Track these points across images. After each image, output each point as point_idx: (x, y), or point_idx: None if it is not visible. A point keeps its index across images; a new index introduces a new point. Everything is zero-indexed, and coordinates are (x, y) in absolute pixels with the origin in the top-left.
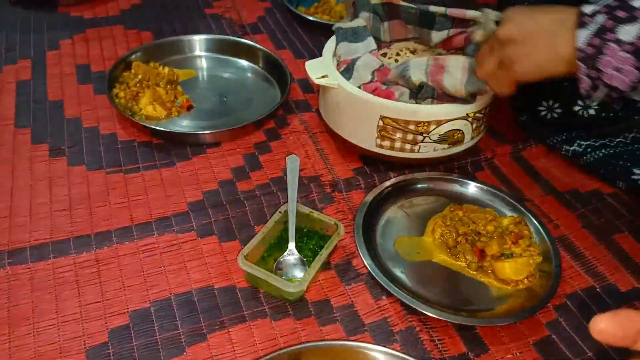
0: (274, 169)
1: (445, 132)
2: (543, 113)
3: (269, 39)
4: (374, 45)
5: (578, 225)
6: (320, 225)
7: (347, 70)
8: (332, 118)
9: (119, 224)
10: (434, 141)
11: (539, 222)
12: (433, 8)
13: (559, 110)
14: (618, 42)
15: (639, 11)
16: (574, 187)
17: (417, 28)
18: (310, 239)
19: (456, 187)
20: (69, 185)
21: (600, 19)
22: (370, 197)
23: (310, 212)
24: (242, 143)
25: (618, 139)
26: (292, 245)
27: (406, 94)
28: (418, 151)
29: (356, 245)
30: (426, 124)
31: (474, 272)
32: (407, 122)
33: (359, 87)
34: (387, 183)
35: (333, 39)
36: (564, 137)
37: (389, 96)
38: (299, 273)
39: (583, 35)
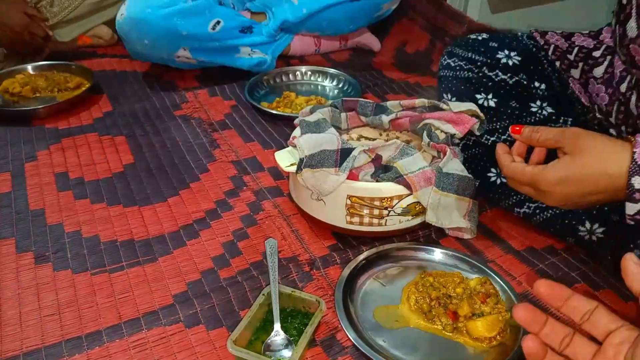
0: (253, 254)
1: (407, 205)
2: (493, 179)
3: (237, 134)
4: (335, 134)
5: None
6: (303, 304)
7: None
8: (303, 201)
9: (108, 322)
10: (399, 214)
11: (503, 281)
12: (389, 103)
13: None
14: None
15: None
16: (530, 245)
17: (371, 117)
18: (295, 318)
19: (424, 255)
20: (56, 290)
21: None
22: (346, 271)
23: (292, 291)
24: (219, 232)
25: None
26: (277, 326)
27: (368, 174)
28: (385, 224)
29: (338, 320)
30: (389, 199)
31: (450, 334)
32: (372, 199)
33: None
34: (361, 257)
35: (298, 130)
36: (514, 200)
37: (353, 177)
38: (287, 353)
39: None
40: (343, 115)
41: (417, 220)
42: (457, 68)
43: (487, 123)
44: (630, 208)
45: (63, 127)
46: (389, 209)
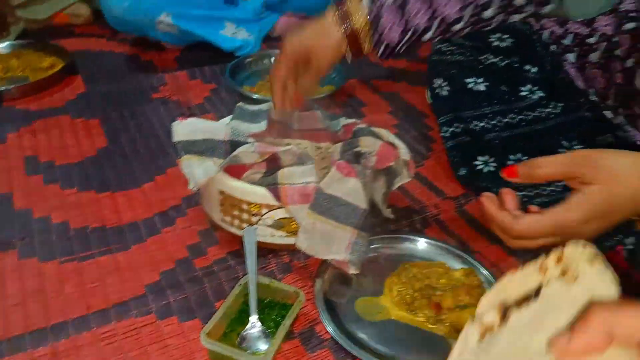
0: (231, 243)
1: (279, 219)
2: (480, 167)
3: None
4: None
5: None
6: (281, 295)
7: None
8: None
9: (75, 313)
10: (270, 226)
11: (488, 272)
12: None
13: (494, 164)
14: None
15: None
16: None
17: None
18: (272, 310)
19: (407, 245)
20: (21, 279)
21: None
22: (327, 262)
23: (271, 282)
24: (196, 219)
25: (550, 188)
26: (254, 317)
27: (258, 174)
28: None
29: (318, 312)
30: (257, 205)
31: (433, 326)
32: (241, 201)
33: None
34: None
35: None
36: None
37: (239, 171)
38: (263, 345)
39: None
40: (296, 113)
41: (294, 240)
42: (448, 53)
43: (475, 108)
44: None
45: (35, 108)
46: (258, 217)
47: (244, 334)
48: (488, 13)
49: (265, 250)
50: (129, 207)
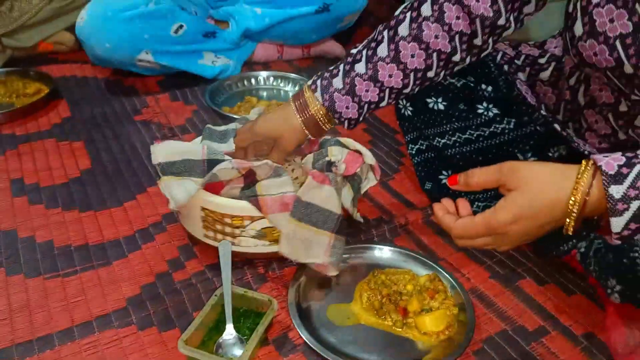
0: (209, 256)
1: (261, 228)
2: (444, 181)
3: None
4: (208, 147)
5: (486, 276)
6: (256, 304)
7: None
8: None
9: (60, 326)
10: (253, 236)
11: (452, 277)
12: None
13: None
14: None
15: None
16: None
17: None
18: (247, 318)
19: (377, 253)
20: (7, 295)
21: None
22: (300, 271)
23: (245, 292)
24: (176, 235)
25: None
26: (229, 326)
27: (236, 189)
28: (239, 244)
29: (291, 319)
30: (240, 218)
31: (400, 330)
32: (223, 215)
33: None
34: None
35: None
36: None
37: (216, 190)
38: (238, 352)
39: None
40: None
41: (276, 248)
42: None
43: (437, 126)
44: (616, 224)
45: (20, 133)
46: (241, 229)
47: (220, 341)
48: (431, 74)
49: (241, 262)
50: (111, 225)
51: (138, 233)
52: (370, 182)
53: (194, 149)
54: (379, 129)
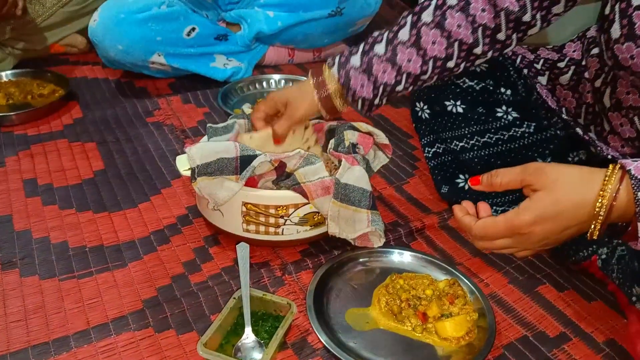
0: (225, 259)
1: (304, 215)
2: (461, 184)
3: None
4: (234, 143)
5: (505, 282)
6: (274, 307)
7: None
8: (203, 208)
9: (76, 328)
10: (296, 224)
11: (471, 282)
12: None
13: None
14: None
15: None
16: None
17: None
18: (266, 321)
19: (394, 258)
20: (22, 296)
21: None
22: (318, 275)
23: (264, 294)
24: (190, 237)
25: None
26: (248, 329)
27: (269, 181)
28: (282, 233)
29: (310, 322)
30: (284, 207)
31: (420, 335)
32: (267, 207)
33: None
34: (332, 261)
35: (205, 137)
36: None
37: (252, 184)
38: (257, 355)
39: None
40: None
41: (317, 231)
42: None
43: (455, 129)
44: None
45: (32, 133)
46: (285, 218)
47: (239, 344)
48: (451, 64)
49: (257, 265)
50: (125, 226)
51: (153, 235)
52: (381, 160)
53: (228, 146)
54: (393, 133)
